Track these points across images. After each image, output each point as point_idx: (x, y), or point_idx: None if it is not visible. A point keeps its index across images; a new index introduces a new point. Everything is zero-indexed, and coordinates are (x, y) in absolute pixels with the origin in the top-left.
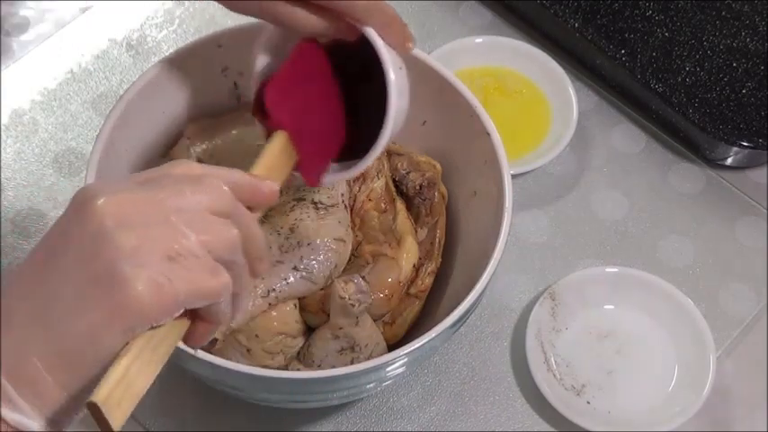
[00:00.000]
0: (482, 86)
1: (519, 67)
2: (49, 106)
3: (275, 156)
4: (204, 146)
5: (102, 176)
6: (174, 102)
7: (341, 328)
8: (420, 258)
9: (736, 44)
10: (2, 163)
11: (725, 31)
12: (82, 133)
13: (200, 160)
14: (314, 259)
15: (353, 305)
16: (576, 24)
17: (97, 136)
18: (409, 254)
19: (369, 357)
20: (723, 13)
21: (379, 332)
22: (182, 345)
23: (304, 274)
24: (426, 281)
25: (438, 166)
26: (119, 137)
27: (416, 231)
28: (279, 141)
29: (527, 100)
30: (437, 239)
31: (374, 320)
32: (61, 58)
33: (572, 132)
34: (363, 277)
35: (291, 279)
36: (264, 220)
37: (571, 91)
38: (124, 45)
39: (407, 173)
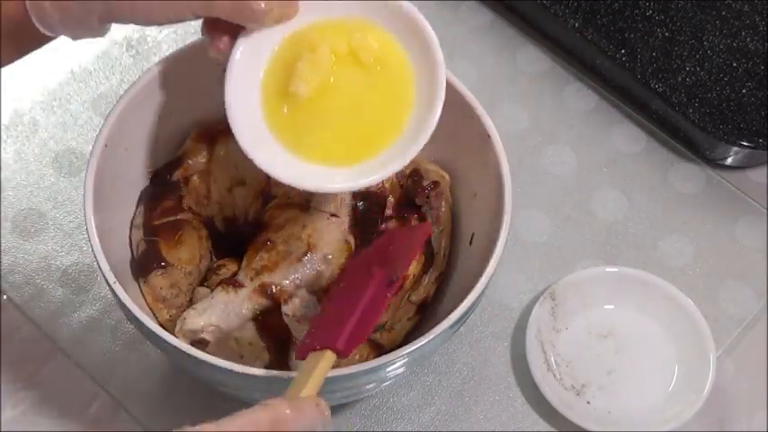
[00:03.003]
0: (332, 51)
1: (374, 19)
2: (49, 106)
3: (324, 374)
4: (205, 151)
5: (102, 176)
6: (174, 102)
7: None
8: (423, 266)
9: (736, 44)
10: (2, 163)
11: (725, 31)
12: (82, 133)
13: (208, 160)
14: (309, 269)
15: (299, 321)
16: (576, 24)
17: (97, 136)
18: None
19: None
20: (723, 12)
21: (353, 352)
22: (183, 346)
23: (297, 282)
24: (430, 289)
25: (447, 176)
26: (119, 137)
27: None
28: (330, 360)
29: (387, 70)
30: (442, 248)
31: (372, 332)
32: (61, 58)
33: (436, 117)
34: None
35: (286, 287)
36: (264, 226)
37: (438, 55)
38: (124, 45)
39: (415, 180)
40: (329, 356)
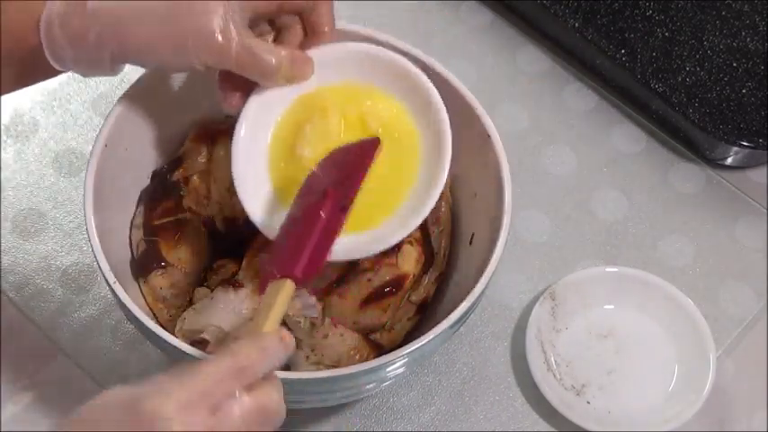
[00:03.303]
0: (342, 116)
1: (384, 85)
2: (49, 106)
3: (285, 305)
4: (205, 151)
5: (102, 176)
6: (174, 101)
7: (301, 340)
8: (423, 266)
9: (736, 44)
10: (2, 163)
11: (725, 30)
12: (82, 133)
13: (208, 160)
14: None
15: (299, 321)
16: (576, 24)
17: (97, 136)
18: (410, 261)
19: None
20: (723, 12)
21: (355, 348)
22: (183, 346)
23: None
24: (430, 289)
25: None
26: (119, 137)
27: (422, 240)
28: (290, 290)
29: (396, 136)
30: (442, 248)
31: (371, 332)
32: None
33: (443, 180)
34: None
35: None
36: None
37: (442, 116)
38: None
39: None
40: (289, 286)
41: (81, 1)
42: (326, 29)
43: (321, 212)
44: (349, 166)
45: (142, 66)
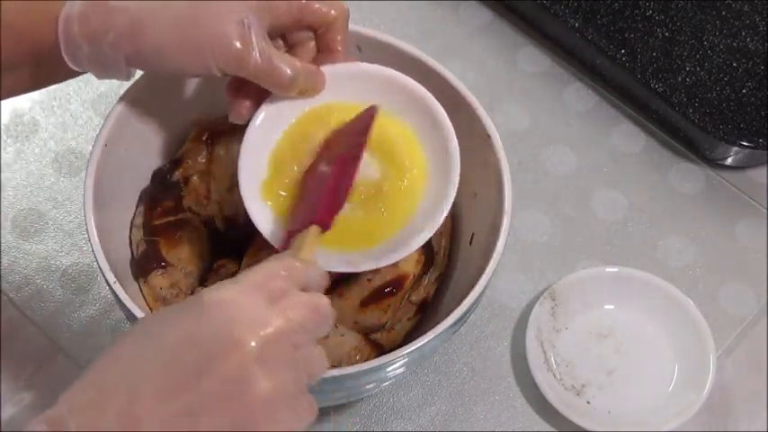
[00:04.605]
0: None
1: (395, 107)
2: (48, 106)
3: (315, 244)
4: (205, 151)
5: (102, 176)
6: (174, 102)
7: None
8: (423, 266)
9: (736, 44)
10: (2, 163)
11: (725, 30)
12: (82, 133)
13: (208, 160)
14: None
15: None
16: (576, 24)
17: (97, 136)
18: (410, 262)
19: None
20: (723, 12)
21: (356, 348)
22: None
23: None
24: (430, 289)
25: None
26: (119, 137)
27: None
28: (315, 232)
29: (399, 153)
30: (442, 248)
31: (372, 332)
32: None
33: (453, 193)
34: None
35: None
36: None
37: (449, 132)
38: None
39: None
40: (314, 230)
41: (101, 1)
42: (340, 48)
43: (333, 165)
44: (352, 133)
45: (158, 70)
